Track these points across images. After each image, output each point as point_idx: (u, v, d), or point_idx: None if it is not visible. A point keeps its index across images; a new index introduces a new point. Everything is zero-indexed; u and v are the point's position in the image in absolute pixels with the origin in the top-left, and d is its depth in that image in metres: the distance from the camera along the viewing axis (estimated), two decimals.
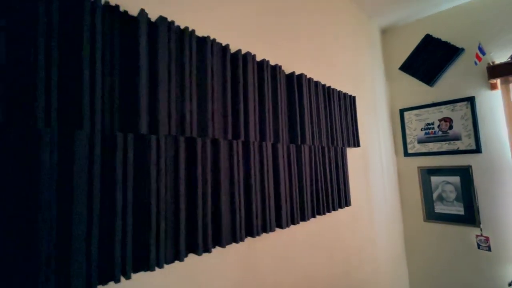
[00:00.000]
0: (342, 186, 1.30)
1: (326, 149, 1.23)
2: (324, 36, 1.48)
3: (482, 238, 1.81)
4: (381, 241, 1.80)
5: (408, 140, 2.17)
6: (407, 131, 2.18)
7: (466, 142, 1.89)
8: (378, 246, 1.76)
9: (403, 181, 2.19)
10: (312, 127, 1.14)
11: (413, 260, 2.12)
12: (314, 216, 1.11)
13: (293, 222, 0.99)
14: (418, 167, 2.11)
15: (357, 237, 1.51)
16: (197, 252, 0.68)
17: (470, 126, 1.88)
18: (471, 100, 1.88)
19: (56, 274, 0.47)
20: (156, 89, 0.64)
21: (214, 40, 0.80)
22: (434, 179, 2.04)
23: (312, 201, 1.10)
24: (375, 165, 1.86)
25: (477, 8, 1.88)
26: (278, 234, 1.01)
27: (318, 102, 1.22)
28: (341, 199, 1.29)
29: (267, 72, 0.97)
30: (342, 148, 1.36)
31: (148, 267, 0.59)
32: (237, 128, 0.83)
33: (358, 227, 1.53)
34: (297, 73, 1.17)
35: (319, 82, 1.25)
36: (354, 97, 1.54)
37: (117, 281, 0.54)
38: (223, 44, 0.85)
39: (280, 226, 0.93)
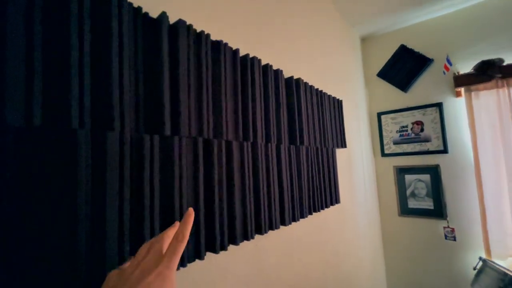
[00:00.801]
0: (333, 185, 1.39)
1: (319, 149, 1.31)
2: (313, 42, 1.56)
3: (449, 229, 2.02)
4: (362, 235, 1.93)
5: (384, 142, 2.34)
6: (384, 133, 2.35)
7: (435, 144, 2.10)
8: (360, 240, 1.89)
9: (380, 180, 2.36)
10: (309, 129, 1.21)
11: (389, 252, 2.29)
12: (311, 213, 1.17)
13: (294, 219, 1.04)
14: (394, 166, 2.29)
15: (344, 232, 1.61)
16: (215, 250, 0.70)
17: (439, 129, 2.09)
18: (439, 106, 2.09)
19: (91, 267, 0.47)
20: (177, 92, 0.65)
21: (226, 44, 0.82)
22: (408, 177, 2.23)
23: (309, 199, 1.17)
24: (357, 165, 1.99)
25: (446, 23, 2.09)
26: (280, 232, 1.05)
27: (313, 105, 1.29)
28: (332, 197, 1.37)
29: (271, 75, 1.01)
30: (332, 149, 1.45)
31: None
32: (247, 129, 0.86)
33: (344, 222, 1.63)
34: (293, 77, 1.23)
35: (313, 86, 1.33)
36: (341, 101, 1.64)
37: None
38: (234, 48, 0.87)
39: (283, 223, 0.98)
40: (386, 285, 2.28)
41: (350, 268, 1.63)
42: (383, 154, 2.35)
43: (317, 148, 1.29)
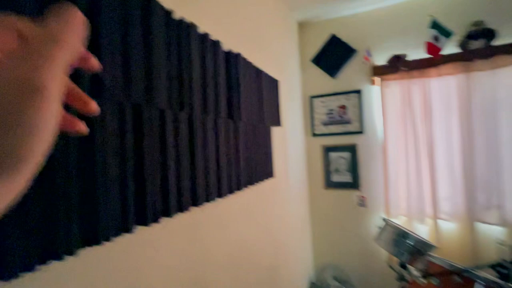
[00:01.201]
0: (269, 160, 1.47)
1: (256, 126, 1.35)
2: (252, 21, 1.56)
3: (362, 197, 2.39)
4: (293, 206, 2.13)
5: (315, 123, 2.57)
6: (315, 115, 2.57)
7: (355, 125, 2.41)
8: (292, 211, 2.07)
9: (310, 157, 2.60)
10: (247, 105, 1.23)
11: (315, 219, 2.60)
12: (246, 186, 1.22)
13: (231, 191, 1.07)
14: (322, 145, 2.55)
15: (278, 204, 1.74)
16: (146, 223, 0.67)
17: (358, 113, 2.39)
18: (359, 92, 2.39)
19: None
20: (99, 50, 0.57)
21: (157, 2, 0.74)
22: (332, 155, 2.52)
23: (245, 172, 1.21)
24: (291, 143, 2.13)
25: (369, 18, 2.35)
26: (217, 205, 1.07)
27: (251, 81, 1.31)
28: (267, 171, 1.45)
29: (209, 45, 0.97)
30: (268, 127, 1.51)
31: (97, 242, 0.55)
32: (182, 99, 0.82)
33: (278, 195, 1.76)
34: (233, 51, 1.21)
35: (252, 63, 1.34)
36: (278, 81, 1.71)
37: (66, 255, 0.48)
38: (167, 9, 0.80)
39: (220, 195, 1.00)
40: (312, 249, 2.60)
41: (282, 236, 1.79)
42: (313, 134, 2.58)
43: (254, 125, 1.32)
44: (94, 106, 0.22)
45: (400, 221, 2.21)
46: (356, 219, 2.41)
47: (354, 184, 2.43)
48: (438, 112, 2.10)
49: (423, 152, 2.11)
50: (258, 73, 1.42)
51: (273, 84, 1.63)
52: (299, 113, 2.48)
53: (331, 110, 2.50)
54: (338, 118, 2.47)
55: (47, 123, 0.16)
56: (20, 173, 0.16)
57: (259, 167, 1.34)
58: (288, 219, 2.01)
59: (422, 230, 2.12)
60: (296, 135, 2.31)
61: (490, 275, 1.11)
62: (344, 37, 2.43)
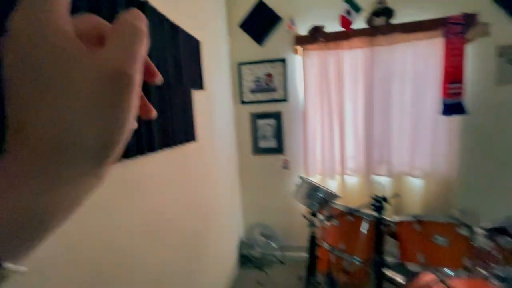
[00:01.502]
0: (189, 124, 1.43)
1: (173, 87, 1.27)
2: None
3: (285, 161, 2.61)
4: (223, 172, 2.17)
5: (243, 90, 2.59)
6: (243, 83, 2.58)
7: (280, 93, 2.53)
8: (220, 176, 2.12)
9: (239, 124, 2.65)
10: (158, 61, 1.13)
11: (245, 184, 2.74)
12: (162, 149, 1.17)
13: (141, 152, 1.01)
14: (250, 113, 2.61)
15: (204, 169, 1.75)
16: None
17: (283, 81, 2.51)
18: (284, 61, 2.48)
19: None
20: None
21: None
22: (260, 122, 2.62)
23: (160, 134, 1.15)
24: (218, 109, 2.11)
25: None
26: (124, 167, 1.00)
27: (164, 37, 1.20)
28: (188, 135, 1.41)
29: None
30: (188, 89, 1.45)
31: None
32: None
33: (203, 160, 1.76)
34: None
35: (166, 16, 1.22)
36: (199, 41, 1.62)
37: None
38: None
39: (127, 156, 0.93)
40: (242, 211, 2.76)
41: (210, 200, 1.83)
42: (242, 102, 2.61)
43: (170, 84, 1.25)
44: (160, 76, 0.25)
45: (316, 179, 2.52)
46: (281, 181, 2.64)
47: (279, 149, 2.61)
48: (348, 82, 2.37)
49: (335, 118, 2.38)
50: (174, 28, 1.31)
51: (194, 44, 1.54)
52: (227, 79, 2.45)
53: (258, 78, 2.54)
54: (264, 86, 2.54)
55: (135, 110, 0.18)
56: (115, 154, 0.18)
57: (177, 130, 1.30)
58: (216, 184, 2.06)
59: (333, 185, 2.47)
60: (224, 101, 2.30)
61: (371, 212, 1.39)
62: (271, 3, 2.43)
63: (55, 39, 0.16)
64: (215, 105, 2.06)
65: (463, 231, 1.15)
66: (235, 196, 2.59)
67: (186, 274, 1.47)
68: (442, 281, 1.37)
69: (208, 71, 1.91)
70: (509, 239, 1.14)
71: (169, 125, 1.21)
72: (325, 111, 2.39)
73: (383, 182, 2.35)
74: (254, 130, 2.63)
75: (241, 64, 2.55)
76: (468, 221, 1.17)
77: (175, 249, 1.35)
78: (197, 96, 1.67)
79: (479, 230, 1.19)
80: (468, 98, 2.12)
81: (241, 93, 2.59)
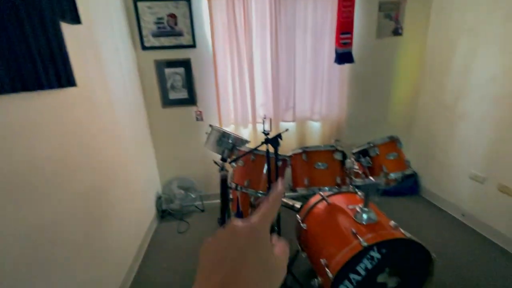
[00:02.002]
0: (60, 65, 1.17)
1: (22, 12, 0.98)
2: None
3: (198, 112, 2.54)
4: (125, 126, 1.97)
5: (143, 34, 2.27)
6: (142, 24, 2.25)
7: (187, 38, 2.33)
8: (123, 130, 1.92)
9: (143, 73, 2.37)
10: None
11: (157, 139, 2.59)
12: (15, 92, 0.94)
13: None
14: (154, 60, 2.35)
15: (96, 121, 1.53)
16: None
17: (189, 24, 2.29)
18: (188, 1, 2.24)
19: None
20: None
21: None
22: (167, 71, 2.40)
23: (7, 73, 0.91)
24: (107, 52, 1.81)
25: None
26: None
27: None
28: (60, 78, 1.17)
29: None
30: (53, 20, 1.16)
31: None
32: None
33: (95, 111, 1.53)
34: None
35: None
36: None
37: None
38: None
39: None
40: (157, 166, 2.66)
41: (108, 158, 1.66)
42: (144, 47, 2.30)
43: (16, 6, 0.96)
44: None
45: (230, 128, 2.58)
46: (195, 133, 2.60)
47: (191, 100, 2.50)
48: (255, 29, 2.34)
49: (245, 65, 2.39)
50: None
51: None
52: (120, 17, 2.08)
53: (160, 18, 2.25)
54: (168, 29, 2.28)
55: None
56: None
57: (40, 71, 1.05)
58: (120, 139, 1.86)
59: (246, 133, 2.59)
60: (118, 44, 1.97)
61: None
62: None
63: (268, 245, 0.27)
64: (102, 47, 1.74)
65: (337, 156, 1.41)
66: (147, 152, 2.44)
67: (86, 233, 1.36)
68: (323, 198, 1.69)
69: (88, 2, 1.56)
70: (368, 159, 1.46)
71: (22, 62, 0.96)
72: (234, 59, 2.35)
73: (289, 127, 2.60)
74: (162, 80, 2.42)
75: (137, 0, 2.18)
76: (341, 148, 1.43)
77: (66, 209, 1.21)
78: (72, 31, 1.37)
79: (349, 154, 1.48)
80: (355, 49, 2.42)
81: (141, 36, 2.26)
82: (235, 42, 2.30)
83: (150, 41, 2.29)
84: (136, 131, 2.20)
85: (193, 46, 2.34)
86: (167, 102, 2.48)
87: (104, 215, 1.56)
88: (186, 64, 2.39)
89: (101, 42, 1.70)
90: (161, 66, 2.37)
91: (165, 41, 2.31)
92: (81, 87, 1.39)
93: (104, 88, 1.69)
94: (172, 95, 2.47)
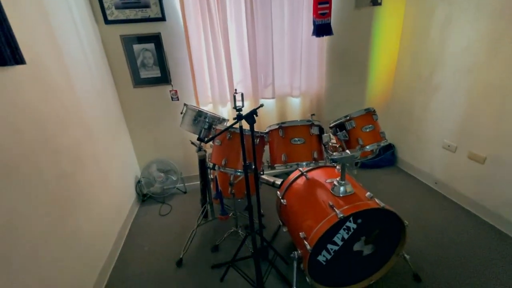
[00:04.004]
0: (1, 38, 1.03)
1: None
2: None
3: (173, 91, 2.42)
4: (91, 107, 1.84)
5: (105, 6, 2.06)
6: None
7: (155, 10, 2.14)
8: (89, 112, 1.79)
9: (109, 50, 2.19)
10: None
11: (131, 122, 2.46)
12: None
13: None
14: (121, 35, 2.17)
15: (53, 102, 1.40)
16: None
17: None
18: None
19: None
20: None
21: None
22: (136, 47, 2.23)
23: None
24: (63, 26, 1.63)
25: None
26: None
27: None
28: (3, 54, 1.04)
29: None
30: None
31: None
32: None
33: (51, 91, 1.40)
34: None
35: None
36: None
37: None
38: None
39: None
40: (133, 149, 2.55)
41: (72, 142, 1.55)
42: (107, 21, 2.10)
43: None
44: None
45: (208, 108, 2.49)
46: (171, 113, 2.49)
47: (164, 79, 2.36)
48: (229, 2, 2.19)
49: (219, 40, 2.25)
50: None
51: None
52: None
53: None
54: (133, 0, 2.08)
55: None
56: None
57: None
58: (87, 123, 1.74)
59: (225, 112, 2.52)
60: (75, 16, 1.78)
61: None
62: None
63: None
64: (55, 20, 1.57)
65: (314, 131, 1.39)
66: (121, 134, 2.32)
67: (54, 222, 1.30)
68: (302, 174, 1.70)
69: None
70: (345, 132, 1.45)
71: None
72: (208, 33, 2.21)
73: (269, 104, 2.54)
74: (131, 57, 2.25)
75: None
76: (318, 122, 1.41)
77: (27, 196, 1.13)
78: (14, 1, 1.20)
79: (326, 128, 1.47)
80: (333, 20, 2.34)
81: (102, 8, 2.06)
82: (208, 14, 2.15)
83: (114, 13, 2.09)
84: (106, 113, 2.07)
85: (162, 19, 2.17)
86: (139, 82, 2.34)
87: (74, 201, 1.48)
88: (156, 39, 2.23)
89: (53, 15, 1.52)
90: (128, 42, 2.20)
91: (130, 13, 2.12)
92: (32, 66, 1.26)
93: (61, 66, 1.54)
94: (144, 74, 2.32)
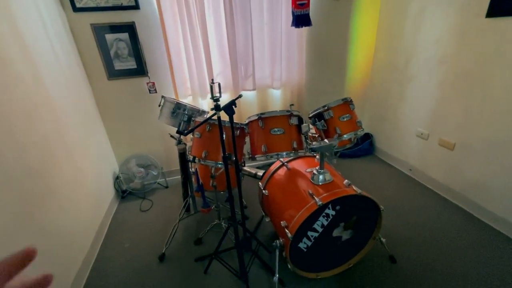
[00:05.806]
0: None
1: None
2: None
3: (151, 84, 2.34)
4: (61, 101, 1.74)
5: None
6: None
7: None
8: (58, 105, 1.70)
9: (80, 40, 2.07)
10: None
11: (106, 115, 2.36)
12: None
13: None
14: (91, 24, 2.05)
15: (17, 95, 1.31)
16: None
17: None
18: None
19: None
20: None
21: None
22: (108, 37, 2.12)
23: None
24: (25, 14, 1.52)
25: None
26: None
27: None
28: None
29: None
30: None
31: None
32: None
33: (15, 84, 1.31)
34: None
35: None
36: None
37: None
38: None
39: None
40: (110, 144, 2.46)
41: (54, 139, 1.46)
42: (75, 9, 1.98)
43: None
44: None
45: (188, 100, 2.44)
46: (149, 106, 2.41)
47: (140, 71, 2.27)
48: None
49: (197, 30, 2.19)
50: None
51: None
52: None
53: None
54: None
55: None
56: None
57: None
58: (57, 118, 1.65)
59: (205, 104, 2.47)
60: (38, 4, 1.66)
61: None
62: None
63: None
64: (15, 7, 1.45)
65: (293, 121, 1.40)
66: (95, 129, 2.22)
67: (22, 221, 1.23)
68: (283, 164, 1.71)
69: None
70: (323, 122, 1.48)
71: None
72: (185, 22, 2.14)
73: (250, 96, 2.53)
74: (104, 48, 2.14)
75: None
76: (297, 113, 1.42)
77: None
78: None
79: (305, 118, 1.48)
80: (312, 11, 2.34)
81: None
82: (184, 3, 2.07)
83: (83, 0, 1.97)
84: (78, 106, 1.97)
85: (135, 7, 2.07)
86: (113, 73, 2.23)
87: (43, 198, 1.41)
88: (130, 28, 2.13)
89: (13, 0, 1.40)
90: (100, 31, 2.08)
91: (101, 1, 2.00)
92: None
93: (26, 58, 1.44)
94: (118, 65, 2.22)
